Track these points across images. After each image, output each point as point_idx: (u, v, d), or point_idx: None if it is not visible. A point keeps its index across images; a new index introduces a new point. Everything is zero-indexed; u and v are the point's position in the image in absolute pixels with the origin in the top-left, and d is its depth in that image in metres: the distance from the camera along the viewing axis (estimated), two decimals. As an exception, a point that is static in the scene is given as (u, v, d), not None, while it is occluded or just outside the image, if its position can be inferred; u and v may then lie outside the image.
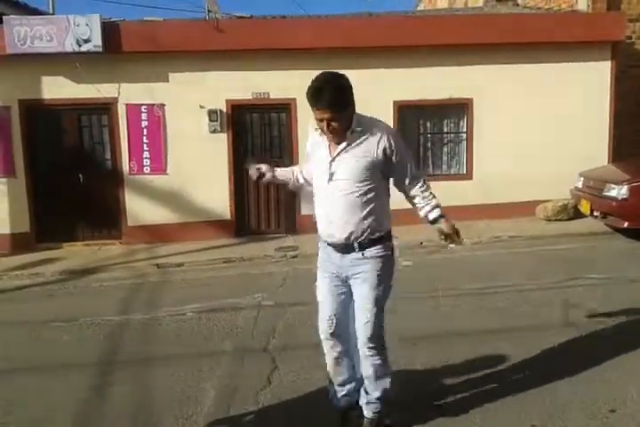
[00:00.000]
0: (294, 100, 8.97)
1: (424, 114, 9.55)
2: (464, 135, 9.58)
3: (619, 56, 9.51)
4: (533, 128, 9.30)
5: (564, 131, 9.28)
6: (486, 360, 3.96)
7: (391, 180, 2.95)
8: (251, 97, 9.11)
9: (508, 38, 9.03)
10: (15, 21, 8.44)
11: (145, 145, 9.09)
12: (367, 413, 3.03)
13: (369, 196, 2.81)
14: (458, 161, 9.71)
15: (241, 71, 8.95)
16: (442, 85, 9.17)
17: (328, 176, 2.83)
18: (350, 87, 2.74)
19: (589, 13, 10.04)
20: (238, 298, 5.85)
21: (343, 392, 3.07)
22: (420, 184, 2.93)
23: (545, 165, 9.21)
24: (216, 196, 9.19)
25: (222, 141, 9.15)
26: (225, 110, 9.08)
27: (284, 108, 9.19)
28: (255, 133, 9.35)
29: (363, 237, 2.83)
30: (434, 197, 2.94)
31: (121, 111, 8.99)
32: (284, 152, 9.25)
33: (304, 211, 8.89)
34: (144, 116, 9.03)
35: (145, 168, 9.12)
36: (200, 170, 9.06)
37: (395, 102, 9.22)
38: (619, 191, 7.31)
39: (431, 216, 2.91)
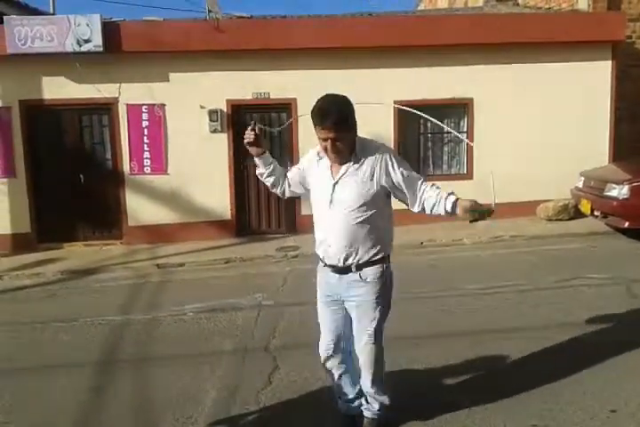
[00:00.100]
0: (294, 100, 8.99)
1: (424, 113, 9.51)
2: (464, 135, 9.57)
3: (619, 56, 9.51)
4: (534, 128, 9.30)
5: (565, 130, 9.28)
6: (486, 360, 3.96)
7: (404, 197, 2.86)
8: (251, 97, 9.12)
9: (509, 38, 9.02)
10: (16, 21, 8.44)
11: (145, 145, 9.09)
12: (367, 414, 3.10)
13: (371, 219, 2.81)
14: (458, 161, 9.71)
15: (241, 71, 8.96)
16: (442, 85, 9.17)
17: (330, 199, 2.81)
18: (353, 109, 2.76)
19: (590, 13, 10.04)
20: (239, 298, 5.85)
21: (346, 404, 3.13)
22: (428, 186, 2.85)
23: (545, 164, 9.20)
24: (216, 196, 9.19)
25: (223, 141, 9.15)
26: (225, 110, 9.09)
27: (285, 108, 9.19)
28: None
29: (361, 260, 2.83)
30: (440, 190, 2.84)
31: (121, 111, 8.99)
32: (285, 152, 9.24)
33: (305, 211, 8.89)
34: (145, 116, 9.03)
35: (145, 168, 9.12)
36: (200, 170, 9.06)
37: (395, 102, 9.20)
38: (619, 191, 7.30)
39: (448, 207, 2.75)
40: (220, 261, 7.87)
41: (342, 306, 2.95)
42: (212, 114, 9.01)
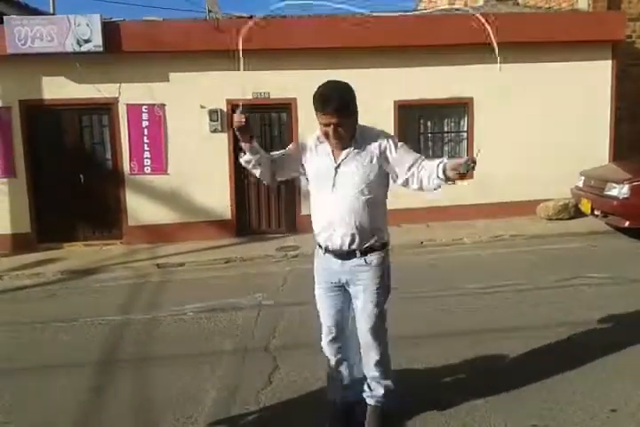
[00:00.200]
0: (295, 99, 8.99)
1: (424, 113, 9.54)
2: (464, 135, 9.58)
3: (619, 55, 9.51)
4: (534, 127, 9.29)
5: (565, 130, 9.27)
6: (486, 359, 3.96)
7: (403, 174, 2.83)
8: (251, 97, 9.11)
9: (509, 38, 9.00)
10: (16, 21, 8.44)
11: (145, 145, 9.09)
12: (370, 401, 3.12)
13: (373, 203, 2.85)
14: (458, 160, 9.69)
15: (241, 71, 8.93)
16: (442, 85, 9.16)
17: (332, 183, 2.83)
18: (355, 96, 2.80)
19: (590, 13, 10.04)
20: (239, 298, 5.85)
21: (344, 393, 3.14)
22: (428, 162, 2.82)
23: (546, 164, 9.20)
24: (217, 195, 9.19)
25: (223, 141, 9.15)
26: (225, 110, 9.08)
27: (285, 108, 9.19)
28: (255, 133, 9.30)
29: (365, 244, 2.87)
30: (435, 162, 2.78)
31: (121, 111, 8.99)
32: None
33: (305, 210, 8.89)
34: (145, 116, 9.03)
35: (145, 168, 9.12)
36: (201, 170, 9.06)
37: (395, 102, 9.22)
38: (620, 190, 7.30)
39: (440, 173, 2.68)
40: (220, 261, 7.87)
41: (343, 292, 2.98)
42: (212, 114, 9.02)
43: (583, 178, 8.39)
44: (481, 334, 4.46)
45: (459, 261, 7.24)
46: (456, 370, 3.81)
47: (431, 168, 2.74)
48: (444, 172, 2.66)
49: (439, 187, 2.76)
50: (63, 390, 3.91)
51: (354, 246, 2.86)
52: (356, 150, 2.84)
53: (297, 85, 8.84)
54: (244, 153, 2.87)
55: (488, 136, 9.35)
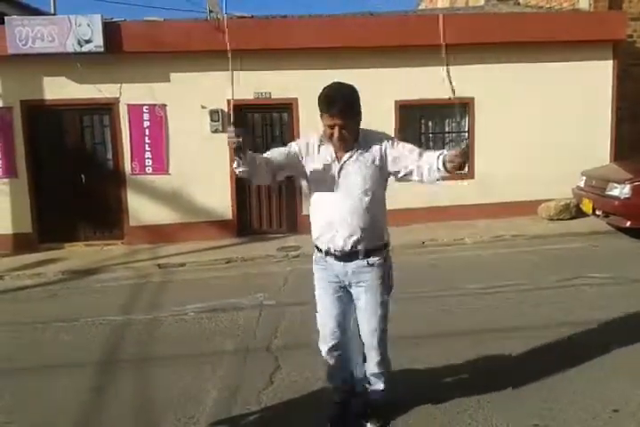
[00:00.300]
0: (296, 100, 8.99)
1: (425, 113, 9.54)
2: (466, 134, 9.57)
3: (620, 55, 9.49)
4: (535, 127, 9.29)
5: (566, 130, 9.27)
6: (487, 360, 3.96)
7: (403, 167, 2.83)
8: (252, 97, 9.11)
9: (510, 37, 9.02)
10: (17, 22, 8.44)
11: (147, 145, 9.09)
12: (370, 396, 3.18)
13: (375, 204, 2.87)
14: (459, 160, 9.68)
15: (242, 71, 8.95)
16: (443, 85, 9.15)
17: (335, 184, 2.84)
18: (359, 97, 2.81)
19: (591, 12, 10.03)
20: (240, 298, 5.85)
21: (343, 391, 3.20)
22: (428, 153, 2.82)
23: (547, 164, 9.19)
24: (218, 196, 9.19)
25: (224, 141, 9.05)
26: (226, 110, 9.09)
27: (286, 108, 9.19)
28: (257, 133, 9.35)
29: (368, 245, 2.88)
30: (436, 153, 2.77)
31: (122, 111, 8.99)
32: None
33: (305, 210, 8.88)
34: (146, 116, 9.03)
35: (147, 168, 9.13)
36: (202, 170, 9.06)
37: (396, 102, 9.22)
38: (621, 190, 7.30)
39: (440, 164, 2.67)
40: (221, 261, 7.87)
41: (345, 293, 2.99)
42: (213, 114, 9.02)
43: (584, 178, 8.38)
44: (482, 334, 4.45)
45: (460, 261, 7.24)
46: (457, 370, 3.81)
47: (431, 160, 2.73)
48: (443, 164, 2.65)
49: (440, 179, 2.75)
50: (64, 390, 3.92)
51: (357, 248, 2.86)
52: (359, 152, 2.85)
53: (298, 85, 8.84)
54: (239, 164, 2.70)
55: (489, 136, 9.36)
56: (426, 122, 9.62)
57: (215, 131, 9.07)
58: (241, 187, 9.27)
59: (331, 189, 2.85)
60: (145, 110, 9.01)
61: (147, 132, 9.06)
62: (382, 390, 3.14)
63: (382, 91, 8.79)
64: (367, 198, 2.83)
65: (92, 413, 3.60)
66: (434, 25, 9.04)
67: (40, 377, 4.17)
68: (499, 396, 3.41)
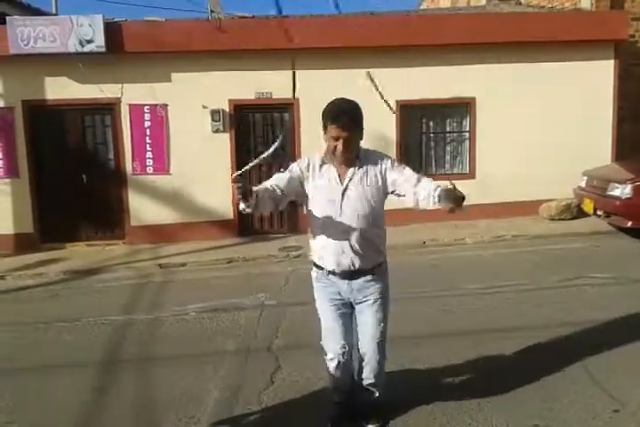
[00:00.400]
0: (297, 99, 8.99)
1: (426, 113, 9.54)
2: (467, 134, 9.57)
3: (622, 55, 9.49)
4: (536, 127, 9.29)
5: (567, 130, 9.26)
6: (488, 360, 3.96)
7: (403, 191, 2.86)
8: (253, 97, 9.12)
9: (511, 37, 9.01)
10: (18, 22, 8.46)
11: (148, 145, 9.10)
12: (370, 401, 3.19)
13: (377, 221, 2.91)
14: (460, 160, 9.69)
15: (243, 71, 8.96)
16: (444, 85, 9.16)
17: (339, 206, 2.85)
18: (362, 114, 2.83)
19: (592, 12, 10.02)
20: (241, 298, 5.86)
21: (342, 392, 3.20)
22: (426, 179, 2.86)
23: (548, 164, 9.19)
24: (219, 195, 9.18)
25: (225, 141, 9.16)
26: (228, 110, 9.09)
27: (287, 108, 9.20)
28: (258, 133, 9.36)
29: (372, 263, 2.93)
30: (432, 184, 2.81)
31: (124, 111, 9.00)
32: (286, 152, 9.25)
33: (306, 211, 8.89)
34: (147, 116, 9.04)
35: (148, 168, 9.14)
36: (203, 170, 9.07)
37: (397, 102, 9.22)
38: (622, 190, 7.29)
39: (436, 197, 2.69)
40: (222, 261, 7.87)
41: (348, 307, 3.02)
42: (214, 114, 9.02)
43: (586, 178, 8.38)
44: (482, 334, 4.46)
45: (460, 261, 7.24)
46: (457, 370, 3.81)
47: (427, 192, 2.73)
48: (438, 197, 2.68)
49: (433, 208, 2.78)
50: (66, 390, 3.92)
51: (362, 266, 2.90)
52: (360, 170, 2.87)
53: (299, 85, 8.85)
54: (245, 207, 2.79)
55: (490, 136, 9.35)
56: (427, 122, 9.62)
57: (216, 131, 9.08)
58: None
59: (334, 211, 2.85)
60: (146, 110, 9.02)
61: (148, 132, 9.07)
62: (378, 397, 3.15)
63: (383, 91, 8.79)
64: (371, 217, 2.86)
65: (93, 413, 3.61)
66: (435, 25, 9.05)
67: (41, 377, 4.18)
68: (499, 396, 3.41)
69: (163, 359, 4.39)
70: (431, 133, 9.65)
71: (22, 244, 8.92)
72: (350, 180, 2.86)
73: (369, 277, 2.93)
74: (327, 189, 2.88)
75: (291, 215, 9.42)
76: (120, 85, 8.89)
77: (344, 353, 3.00)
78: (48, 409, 3.67)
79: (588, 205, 8.10)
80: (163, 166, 9.14)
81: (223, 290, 6.44)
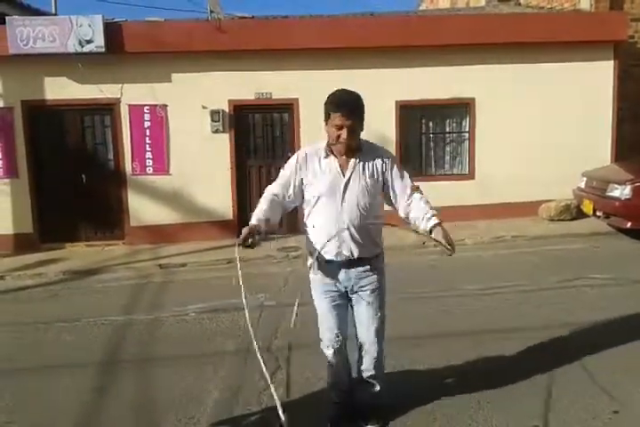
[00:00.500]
0: (297, 100, 9.00)
1: (426, 114, 9.54)
2: (466, 135, 9.57)
3: (621, 56, 9.50)
4: (536, 127, 9.29)
5: (567, 130, 9.27)
6: (488, 360, 3.97)
7: (394, 202, 3.00)
8: (253, 97, 9.12)
9: (511, 38, 9.02)
10: (18, 22, 8.45)
11: (147, 145, 9.10)
12: (371, 398, 3.20)
13: (377, 214, 2.97)
14: (460, 161, 9.70)
15: (243, 71, 8.96)
16: (444, 85, 9.17)
17: (341, 197, 2.88)
18: (364, 105, 2.87)
19: (592, 13, 10.03)
20: (241, 298, 5.84)
21: (341, 391, 3.22)
22: (419, 195, 2.98)
23: (548, 164, 9.20)
24: (218, 196, 9.19)
25: (225, 142, 9.16)
26: (227, 111, 9.09)
27: (287, 108, 9.20)
28: (257, 134, 9.36)
29: (371, 253, 2.98)
30: (431, 207, 2.97)
31: (123, 112, 9.00)
32: (286, 152, 9.25)
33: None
34: (147, 116, 9.04)
35: (147, 168, 9.13)
36: (202, 170, 9.07)
37: (397, 102, 9.23)
38: (622, 191, 7.30)
39: (429, 225, 2.88)
40: (222, 262, 7.86)
41: (343, 299, 3.05)
42: (214, 114, 9.02)
43: (585, 179, 8.39)
44: (482, 334, 4.46)
45: (460, 262, 7.19)
46: (457, 371, 3.82)
47: (422, 214, 2.89)
48: (431, 231, 2.85)
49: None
50: (66, 390, 3.92)
51: (360, 256, 2.94)
52: (361, 162, 2.91)
53: (299, 86, 8.86)
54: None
55: (490, 136, 9.36)
56: (426, 122, 9.62)
57: (216, 131, 9.08)
58: (242, 187, 9.28)
59: (334, 202, 2.89)
60: (146, 110, 9.02)
61: (147, 132, 9.07)
62: (379, 391, 3.17)
63: (383, 91, 8.79)
64: (370, 208, 2.91)
65: (93, 413, 3.61)
66: (435, 26, 9.05)
67: (41, 377, 4.18)
68: (499, 396, 3.42)
69: (162, 360, 4.38)
70: (431, 134, 9.66)
71: (22, 244, 8.91)
72: (352, 171, 2.89)
73: (367, 267, 2.97)
74: (329, 180, 2.90)
75: (290, 216, 9.37)
76: (120, 86, 8.89)
77: (338, 341, 3.04)
78: (48, 409, 3.67)
79: (587, 206, 8.11)
80: (162, 167, 9.14)
81: (223, 290, 6.40)
